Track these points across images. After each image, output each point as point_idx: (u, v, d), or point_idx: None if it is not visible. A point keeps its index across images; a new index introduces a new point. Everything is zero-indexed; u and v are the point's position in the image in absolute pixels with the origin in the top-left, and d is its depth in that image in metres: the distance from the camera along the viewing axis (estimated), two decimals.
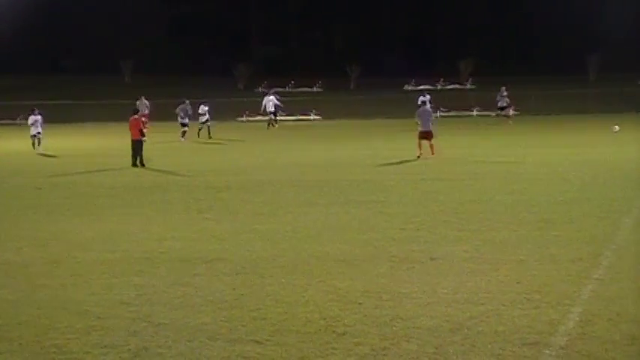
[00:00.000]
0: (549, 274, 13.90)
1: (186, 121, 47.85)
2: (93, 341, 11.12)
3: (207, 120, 49.45)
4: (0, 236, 18.89)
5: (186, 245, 17.24)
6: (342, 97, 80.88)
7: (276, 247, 16.74)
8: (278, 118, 57.46)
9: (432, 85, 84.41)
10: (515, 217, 19.47)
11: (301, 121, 65.18)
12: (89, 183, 29.00)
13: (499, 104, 54.32)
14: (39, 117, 44.83)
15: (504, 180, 26.06)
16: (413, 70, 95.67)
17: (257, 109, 60.71)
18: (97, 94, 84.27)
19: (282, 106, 57.89)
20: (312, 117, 67.80)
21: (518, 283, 13.44)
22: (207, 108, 49.79)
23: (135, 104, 50.09)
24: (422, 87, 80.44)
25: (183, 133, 47.45)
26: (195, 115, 49.62)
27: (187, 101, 48.92)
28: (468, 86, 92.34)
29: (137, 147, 33.66)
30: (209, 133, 48.74)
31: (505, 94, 53.94)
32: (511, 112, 54.79)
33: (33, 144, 44.08)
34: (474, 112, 65.10)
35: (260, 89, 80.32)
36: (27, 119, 46.45)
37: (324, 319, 11.83)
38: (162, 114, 60.10)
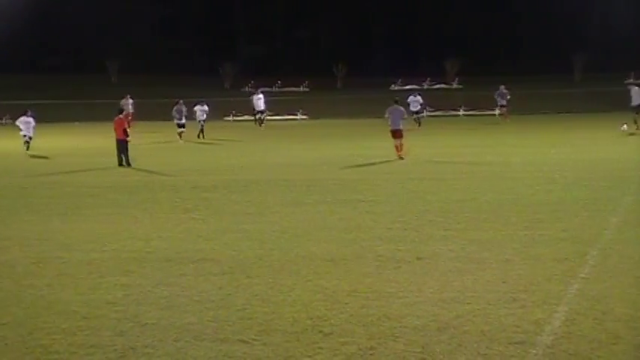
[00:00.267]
0: (535, 274, 13.94)
1: (183, 121, 47.13)
2: (79, 341, 11.09)
3: (203, 120, 48.60)
4: None
5: (172, 245, 17.21)
6: (328, 96, 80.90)
7: (262, 247, 16.74)
8: (265, 117, 57.28)
9: (419, 85, 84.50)
10: (501, 216, 19.51)
11: (288, 120, 65.13)
12: (75, 183, 28.92)
13: (499, 102, 54.21)
14: (31, 119, 43.37)
15: (490, 179, 26.12)
16: (400, 70, 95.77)
17: (244, 108, 60.65)
18: (84, 93, 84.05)
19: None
20: (298, 117, 67.77)
21: (504, 282, 13.47)
22: (206, 108, 49.05)
23: (120, 104, 49.85)
24: (408, 87, 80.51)
25: (180, 134, 46.72)
26: (192, 115, 48.89)
27: (182, 101, 48.27)
28: (455, 86, 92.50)
29: (122, 147, 33.60)
30: (200, 134, 47.85)
31: (505, 91, 53.89)
32: (500, 110, 54.67)
33: (25, 143, 42.76)
34: (461, 112, 65.19)
35: (247, 89, 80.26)
36: (15, 120, 45.00)
37: (311, 318, 11.83)
38: (149, 113, 60.03)
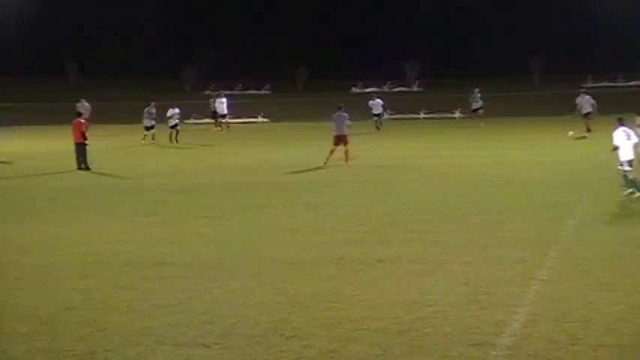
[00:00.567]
0: (495, 275, 14.04)
1: (152, 123, 46.45)
2: (38, 346, 11.00)
3: (176, 124, 47.60)
4: None
5: (132, 249, 17.12)
6: (289, 99, 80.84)
7: (224, 250, 16.70)
8: (227, 120, 56.85)
9: (379, 88, 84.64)
10: (462, 218, 19.62)
11: (249, 123, 65.00)
12: (33, 186, 28.66)
13: (473, 106, 53.96)
14: None
15: (451, 182, 26.24)
16: (361, 73, 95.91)
17: (206, 111, 60.33)
18: (43, 96, 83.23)
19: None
20: (259, 119, 67.67)
21: (465, 284, 13.55)
22: (177, 110, 48.04)
23: (76, 107, 49.17)
24: (369, 89, 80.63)
25: (146, 136, 45.85)
26: (162, 118, 48.05)
27: (152, 103, 47.59)
28: (415, 89, 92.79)
29: (80, 150, 33.29)
30: (172, 137, 46.66)
31: (479, 95, 53.73)
32: (475, 113, 54.12)
33: None
34: (421, 115, 65.42)
35: (208, 92, 79.93)
36: None
37: (273, 321, 11.82)
38: (108, 116, 59.62)
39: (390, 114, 62.75)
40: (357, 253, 16.07)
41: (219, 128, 56.07)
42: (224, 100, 56.42)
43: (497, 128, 49.59)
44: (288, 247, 16.87)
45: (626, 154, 22.04)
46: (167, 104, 48.50)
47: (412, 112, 65.74)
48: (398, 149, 37.94)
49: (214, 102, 57.59)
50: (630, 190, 21.76)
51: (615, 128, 22.71)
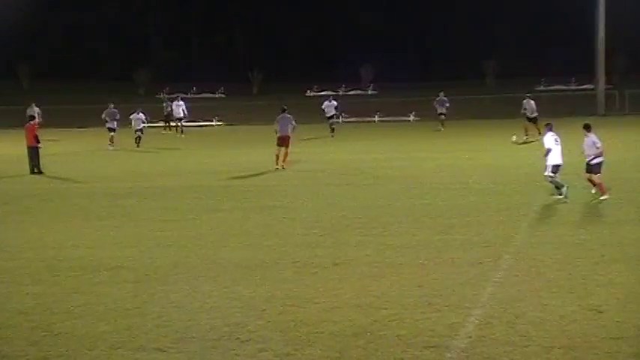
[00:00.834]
0: (450, 278, 14.12)
1: (114, 125, 45.92)
2: None
3: (141, 129, 46.96)
4: None
5: (86, 253, 16.99)
6: (244, 102, 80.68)
7: (178, 254, 16.63)
8: (182, 124, 56.47)
9: (334, 91, 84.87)
10: (416, 221, 19.72)
11: (204, 127, 64.78)
12: None
13: (439, 110, 53.69)
14: None
15: (405, 185, 26.35)
16: (316, 76, 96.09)
17: (159, 115, 59.96)
18: None
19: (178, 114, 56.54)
20: (214, 123, 67.47)
21: (419, 286, 13.62)
22: (142, 116, 47.39)
23: (27, 112, 48.53)
24: (324, 92, 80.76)
25: (111, 138, 45.24)
26: (124, 121, 47.44)
27: (112, 105, 47.07)
28: (370, 92, 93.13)
29: (33, 154, 32.98)
30: (138, 142, 46.13)
31: (444, 99, 53.62)
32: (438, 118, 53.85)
33: None
34: (376, 118, 65.63)
35: (162, 95, 79.48)
36: None
37: (228, 325, 11.80)
38: (61, 120, 59.10)
39: (345, 117, 62.86)
40: (312, 256, 16.09)
41: (170, 131, 55.78)
42: (181, 103, 56.12)
43: (453, 131, 49.83)
44: (243, 250, 16.85)
45: (554, 158, 22.41)
46: (125, 107, 48.08)
47: (367, 116, 65.91)
48: (352, 152, 38.02)
49: (171, 105, 57.29)
50: (559, 196, 22.17)
51: (545, 133, 23.12)
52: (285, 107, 33.64)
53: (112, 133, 45.36)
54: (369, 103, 72.72)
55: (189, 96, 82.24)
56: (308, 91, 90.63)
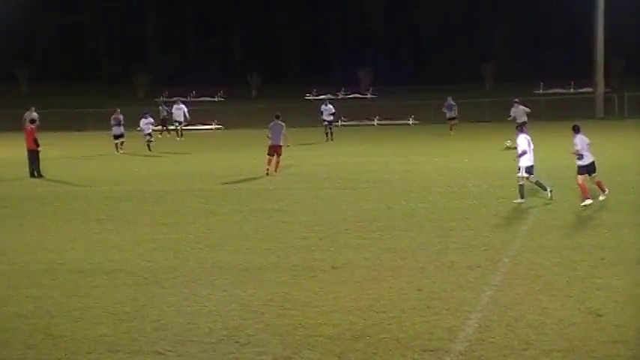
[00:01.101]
0: (448, 281, 14.13)
1: (120, 131, 45.71)
2: None
3: (150, 132, 46.80)
4: None
5: (85, 256, 16.99)
6: (243, 106, 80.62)
7: (177, 257, 16.63)
8: (181, 127, 56.36)
9: (334, 95, 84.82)
10: (415, 224, 19.72)
11: (203, 130, 64.77)
12: None
13: (448, 115, 53.30)
14: None
15: (404, 188, 26.35)
16: (315, 80, 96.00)
17: (157, 118, 59.87)
18: None
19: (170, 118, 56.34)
20: (214, 126, 67.43)
21: (418, 290, 13.62)
22: (151, 120, 47.24)
23: (24, 116, 48.37)
24: (323, 96, 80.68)
25: (119, 144, 44.91)
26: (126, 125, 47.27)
27: (118, 110, 46.93)
28: (369, 95, 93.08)
29: (33, 157, 32.99)
30: (149, 146, 45.95)
31: (453, 103, 53.22)
32: (449, 122, 53.51)
33: None
34: (375, 122, 65.64)
35: (162, 98, 79.38)
36: None
37: (227, 329, 11.80)
38: (61, 123, 59.08)
39: (344, 121, 62.87)
40: (310, 259, 16.10)
41: (169, 134, 55.70)
42: (182, 106, 56.00)
43: (452, 135, 49.81)
44: (242, 253, 16.86)
45: (528, 159, 22.51)
46: (125, 111, 48.01)
47: (366, 119, 65.94)
48: (351, 156, 38.01)
49: (166, 109, 57.26)
50: (521, 200, 22.26)
51: (517, 135, 23.16)
52: (279, 114, 33.29)
53: (120, 139, 44.92)
54: (367, 107, 72.73)
55: (188, 100, 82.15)
56: (307, 95, 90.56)
